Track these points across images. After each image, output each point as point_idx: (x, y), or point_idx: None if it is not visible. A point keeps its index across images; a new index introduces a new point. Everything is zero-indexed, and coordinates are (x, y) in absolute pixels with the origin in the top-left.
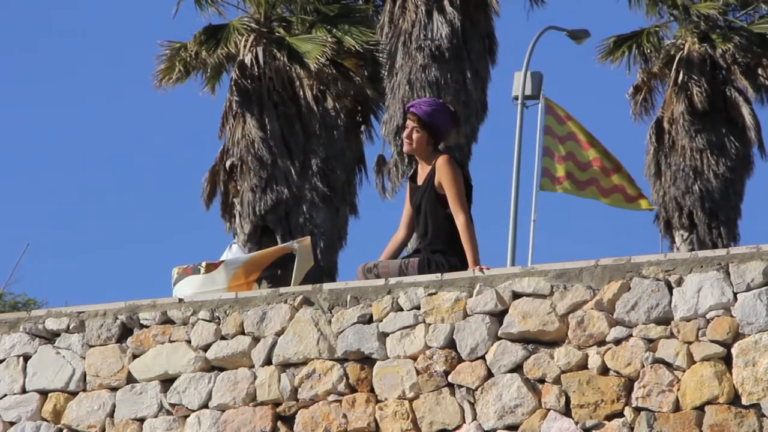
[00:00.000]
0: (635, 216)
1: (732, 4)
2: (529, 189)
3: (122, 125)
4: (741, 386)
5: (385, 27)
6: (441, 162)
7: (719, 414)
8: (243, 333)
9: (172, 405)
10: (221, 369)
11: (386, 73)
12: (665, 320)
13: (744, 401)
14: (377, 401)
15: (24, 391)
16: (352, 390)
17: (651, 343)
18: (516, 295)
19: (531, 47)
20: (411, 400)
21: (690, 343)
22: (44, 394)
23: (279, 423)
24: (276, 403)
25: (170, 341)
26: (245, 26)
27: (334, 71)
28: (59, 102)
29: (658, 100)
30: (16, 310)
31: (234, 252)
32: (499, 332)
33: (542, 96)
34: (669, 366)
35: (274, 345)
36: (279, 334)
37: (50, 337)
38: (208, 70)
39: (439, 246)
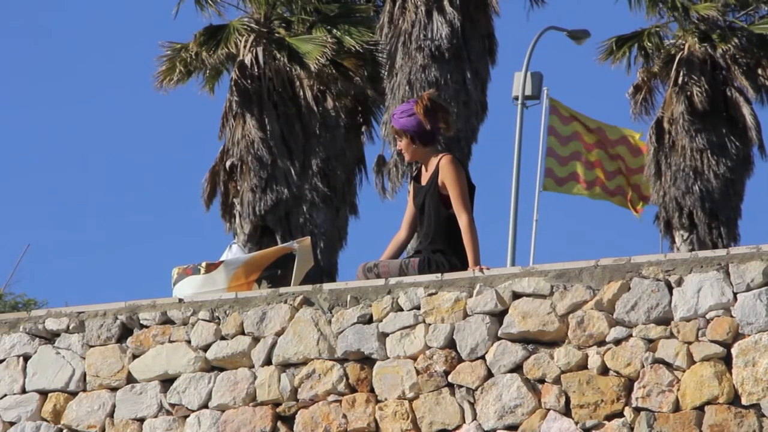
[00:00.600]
0: (635, 216)
1: (732, 4)
2: (529, 189)
3: (122, 125)
4: (741, 386)
5: (385, 27)
6: (444, 162)
7: (719, 414)
8: (243, 333)
9: (172, 405)
10: (221, 369)
11: (386, 74)
12: (665, 320)
13: (744, 401)
14: (377, 401)
15: (24, 391)
16: (352, 390)
17: (651, 343)
18: (516, 295)
19: (531, 47)
20: (411, 400)
21: (690, 343)
22: (44, 394)
23: (279, 423)
24: (276, 403)
25: (170, 341)
26: (245, 26)
27: (334, 71)
28: (59, 102)
29: (658, 100)
30: (16, 311)
31: (234, 252)
32: (499, 332)
33: (547, 96)
34: (669, 366)
35: (274, 345)
36: (279, 334)
37: (50, 337)
38: (208, 71)
39: (439, 246)
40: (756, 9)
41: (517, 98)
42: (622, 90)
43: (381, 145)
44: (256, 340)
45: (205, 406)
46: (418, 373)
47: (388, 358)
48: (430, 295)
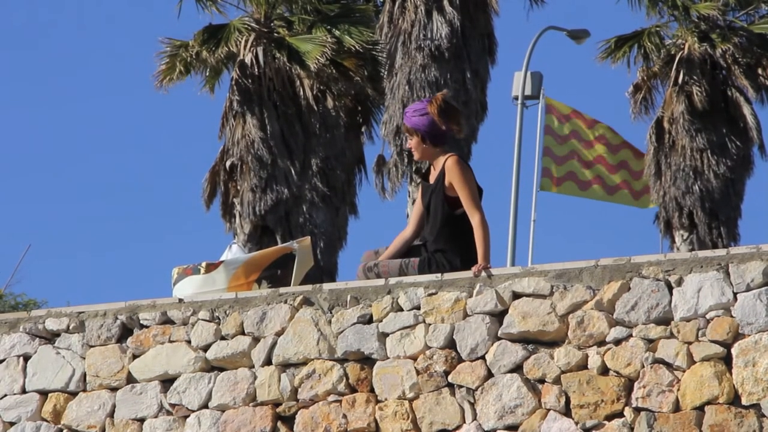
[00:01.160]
0: (635, 216)
1: (732, 4)
2: (529, 189)
3: (123, 125)
4: (741, 386)
5: (385, 27)
6: (450, 163)
7: (719, 414)
8: (243, 333)
9: (172, 405)
10: (221, 369)
11: (386, 73)
12: (665, 320)
13: (744, 401)
14: (377, 401)
15: (24, 391)
16: (352, 390)
17: (651, 343)
18: (516, 295)
19: (531, 47)
20: (411, 400)
21: (690, 343)
22: (44, 394)
23: (279, 423)
24: (276, 404)
25: (170, 341)
26: (245, 26)
27: (334, 71)
28: (59, 102)
29: (658, 100)
30: (16, 311)
31: (234, 252)
32: (499, 332)
33: (543, 95)
34: (669, 366)
35: (274, 345)
36: (279, 334)
37: (50, 338)
38: (208, 71)
39: (441, 245)
40: (756, 8)
41: (516, 98)
42: (621, 90)
43: (381, 145)
44: (256, 340)
45: (205, 406)
46: (418, 373)
47: (388, 358)
48: (430, 295)
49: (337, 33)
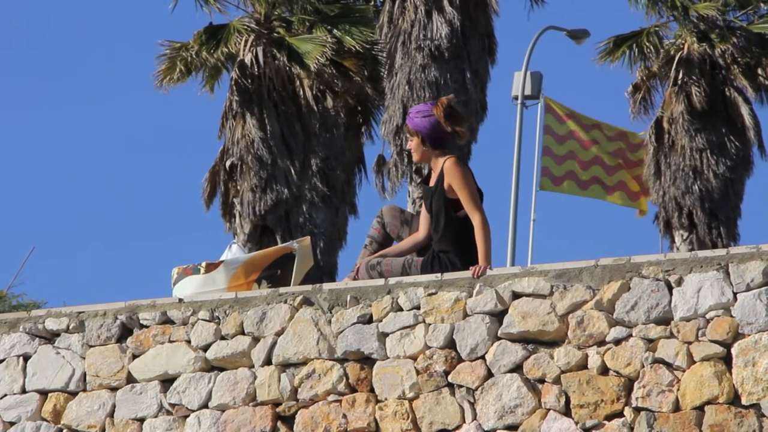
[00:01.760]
0: (636, 216)
1: (731, 4)
2: (529, 189)
3: (123, 125)
4: (741, 386)
5: (385, 27)
6: (449, 165)
7: (719, 414)
8: (243, 333)
9: (172, 405)
10: (221, 369)
11: (386, 73)
12: (665, 320)
13: (744, 401)
14: (377, 401)
15: (24, 391)
16: (352, 390)
17: (651, 343)
18: (516, 295)
19: (531, 47)
20: (411, 400)
21: (690, 343)
22: (44, 394)
23: (279, 423)
24: (276, 403)
25: (170, 341)
26: (245, 26)
27: (334, 71)
28: (59, 102)
29: (657, 100)
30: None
31: (234, 252)
32: (499, 332)
33: (542, 95)
34: (669, 366)
35: (273, 345)
36: (279, 334)
37: (50, 337)
38: (208, 70)
39: (444, 247)
40: (755, 8)
41: (516, 98)
42: (621, 90)
43: (381, 145)
44: (256, 340)
45: (205, 406)
46: (418, 373)
47: (388, 358)
48: (430, 295)
49: (337, 33)
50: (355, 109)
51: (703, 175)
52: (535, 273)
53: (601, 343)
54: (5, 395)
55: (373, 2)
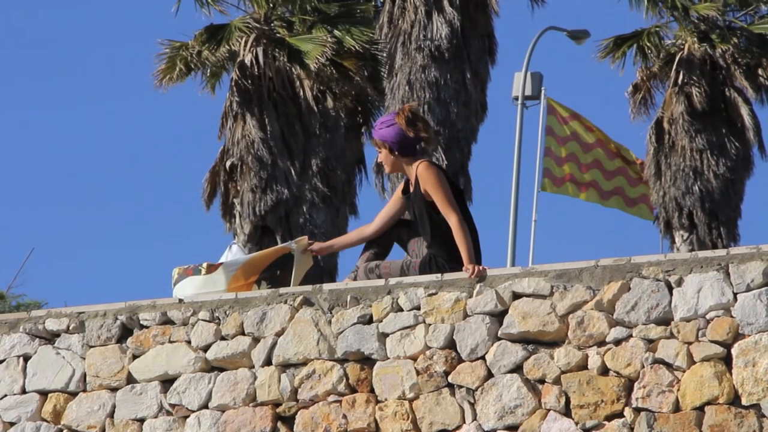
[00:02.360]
0: (635, 217)
1: (732, 4)
2: (529, 189)
3: (122, 125)
4: (741, 386)
5: (385, 27)
6: (421, 169)
7: (719, 414)
8: (243, 333)
9: (172, 405)
10: (221, 369)
11: (386, 74)
12: (665, 320)
13: (744, 401)
14: (377, 402)
15: (24, 391)
16: (352, 390)
17: (651, 343)
18: (516, 296)
19: (531, 47)
20: (411, 401)
21: (690, 343)
22: (44, 394)
23: (279, 423)
24: (276, 404)
25: (170, 342)
26: (246, 26)
27: (334, 71)
28: (59, 102)
29: (657, 100)
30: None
31: (234, 252)
32: (499, 332)
33: (544, 96)
34: (669, 366)
35: (274, 345)
36: (279, 334)
37: (50, 338)
38: (208, 71)
39: (436, 250)
40: (756, 9)
41: (517, 98)
42: (621, 90)
43: None
44: (256, 340)
45: (205, 406)
46: (418, 373)
47: (388, 358)
48: (430, 295)
49: (337, 33)
50: (356, 110)
51: (703, 176)
52: (535, 273)
53: (602, 343)
54: (5, 395)
55: (373, 2)
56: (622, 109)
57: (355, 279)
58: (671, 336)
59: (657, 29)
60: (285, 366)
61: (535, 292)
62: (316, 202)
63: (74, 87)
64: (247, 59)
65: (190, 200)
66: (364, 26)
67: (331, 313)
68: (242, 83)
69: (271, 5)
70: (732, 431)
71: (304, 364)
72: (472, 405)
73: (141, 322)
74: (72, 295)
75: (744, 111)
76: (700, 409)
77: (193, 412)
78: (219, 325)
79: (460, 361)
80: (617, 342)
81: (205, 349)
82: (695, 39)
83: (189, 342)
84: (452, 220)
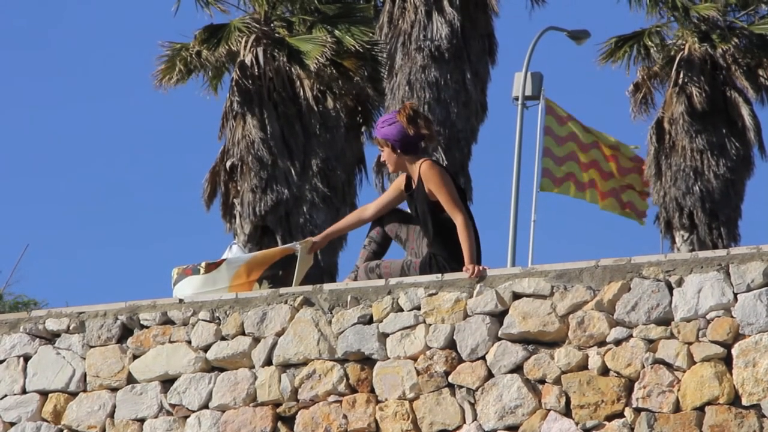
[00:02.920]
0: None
1: (732, 4)
2: (529, 189)
3: (122, 125)
4: (741, 387)
5: (385, 27)
6: (425, 169)
7: (719, 414)
8: (243, 333)
9: (173, 405)
10: (221, 369)
11: (386, 74)
12: (665, 321)
13: (744, 402)
14: (377, 402)
15: (24, 391)
16: (353, 390)
17: (651, 343)
18: (516, 296)
19: (531, 47)
20: (411, 401)
21: (690, 343)
22: (44, 394)
23: (279, 423)
24: (276, 404)
25: (170, 342)
26: (246, 26)
27: (334, 71)
28: (59, 102)
29: (658, 100)
30: (16, 311)
31: (234, 252)
32: (500, 333)
33: (543, 96)
34: (669, 366)
35: (274, 345)
36: (279, 334)
37: (50, 338)
38: (210, 71)
39: (437, 249)
40: (756, 9)
41: (517, 98)
42: (622, 90)
43: None
44: (256, 340)
45: (205, 406)
46: (418, 373)
47: (389, 358)
48: (431, 295)
49: (337, 33)
50: (356, 110)
51: (703, 176)
52: (535, 273)
53: (602, 343)
54: (5, 396)
55: (373, 2)
56: (623, 109)
57: (355, 279)
58: (671, 336)
59: (657, 29)
60: (285, 366)
61: (536, 293)
62: (316, 202)
63: (74, 87)
64: (247, 59)
65: (190, 200)
66: (364, 26)
67: (331, 313)
68: (242, 83)
69: (271, 5)
70: (732, 431)
71: (305, 364)
72: (473, 405)
73: (141, 322)
74: (72, 295)
75: (744, 111)
76: (701, 409)
77: (194, 412)
78: (219, 325)
79: (461, 361)
80: (617, 342)
81: (206, 349)
82: (696, 39)
83: (189, 342)
84: (458, 219)
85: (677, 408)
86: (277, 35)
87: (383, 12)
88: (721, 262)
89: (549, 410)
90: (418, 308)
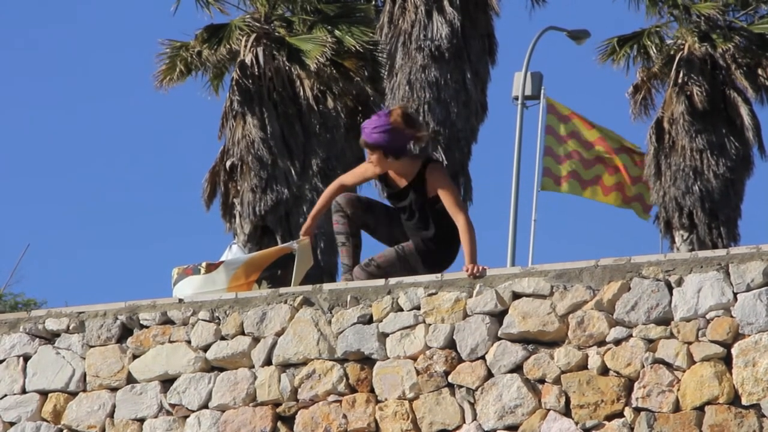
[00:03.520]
0: (635, 216)
1: (732, 4)
2: (529, 189)
3: (122, 125)
4: (741, 386)
5: (385, 27)
6: (435, 171)
7: (719, 414)
8: (243, 333)
9: (172, 405)
10: (221, 369)
11: (386, 74)
12: (665, 320)
13: (744, 401)
14: (377, 401)
15: (24, 391)
16: (352, 390)
17: (651, 343)
18: (516, 296)
19: (531, 47)
20: (411, 401)
21: (690, 343)
22: (44, 394)
23: (279, 423)
24: (276, 404)
25: (170, 341)
26: (246, 26)
27: (334, 71)
28: (59, 102)
29: (658, 100)
30: (16, 311)
31: (234, 252)
32: (499, 332)
33: (543, 95)
34: (669, 366)
35: (274, 345)
36: (279, 334)
37: (50, 338)
38: (211, 71)
39: (431, 235)
40: (756, 9)
41: (517, 98)
42: (622, 90)
43: None
44: (256, 340)
45: (205, 406)
46: (418, 373)
47: (388, 358)
48: (430, 295)
49: (337, 33)
50: (356, 110)
51: (703, 176)
52: (535, 273)
53: (602, 343)
54: (5, 395)
55: (374, 2)
56: (623, 109)
57: (349, 279)
58: (671, 336)
59: (657, 29)
60: (285, 366)
61: (535, 292)
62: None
63: (74, 87)
64: (248, 59)
65: (190, 200)
66: (364, 26)
67: (331, 313)
68: (242, 83)
69: (272, 5)
70: (732, 431)
71: (304, 364)
72: (472, 405)
73: (141, 322)
74: (72, 295)
75: (744, 111)
76: (700, 408)
77: (193, 411)
78: (219, 325)
79: (460, 361)
80: (617, 342)
81: (205, 349)
82: (696, 39)
83: (189, 342)
84: (461, 219)
85: (677, 408)
86: (277, 35)
87: (383, 12)
88: (720, 262)
89: (549, 410)
90: (418, 308)
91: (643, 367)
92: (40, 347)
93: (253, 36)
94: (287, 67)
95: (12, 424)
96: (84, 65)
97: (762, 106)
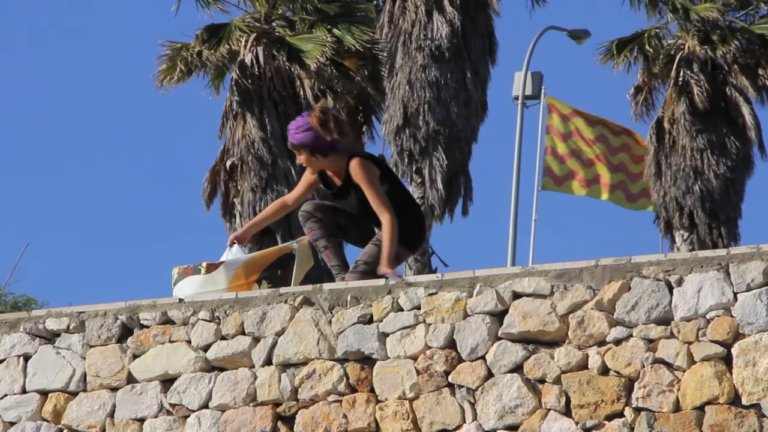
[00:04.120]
0: (635, 216)
1: (732, 4)
2: (529, 189)
3: (123, 125)
4: (741, 386)
5: (385, 27)
6: (353, 167)
7: (719, 414)
8: (243, 333)
9: (173, 405)
10: (221, 369)
11: (386, 73)
12: (665, 320)
13: (744, 401)
14: (377, 401)
15: (24, 391)
16: (353, 390)
17: (651, 343)
18: (516, 295)
19: (531, 47)
20: (411, 401)
21: (690, 343)
22: (44, 394)
23: (279, 423)
24: (276, 404)
25: (170, 341)
26: (246, 25)
27: (334, 70)
28: (60, 102)
29: (658, 101)
30: (16, 310)
31: (234, 252)
32: (500, 332)
33: (544, 95)
34: (669, 366)
35: (274, 345)
36: (279, 334)
37: (50, 337)
38: (212, 71)
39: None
40: (756, 9)
41: (517, 98)
42: (622, 90)
43: (381, 145)
44: (256, 340)
45: (205, 406)
46: (418, 373)
47: (389, 358)
48: (431, 295)
49: (337, 32)
50: (356, 109)
51: (703, 175)
52: (535, 273)
53: (602, 343)
54: (5, 395)
55: (374, 2)
56: (623, 108)
57: (343, 279)
58: (671, 336)
59: (657, 30)
60: (285, 366)
61: (536, 292)
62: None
63: (74, 87)
64: (248, 59)
65: (190, 200)
66: (364, 26)
67: (331, 312)
68: (242, 83)
69: (272, 5)
70: (732, 431)
71: (305, 363)
72: (473, 405)
73: (141, 322)
74: (72, 295)
75: (744, 111)
76: (701, 408)
77: (194, 411)
78: (219, 324)
79: (461, 360)
80: (617, 342)
81: (206, 348)
82: (696, 39)
83: (189, 342)
84: (385, 218)
85: (677, 407)
86: (277, 35)
87: (384, 11)
88: (721, 262)
89: (549, 410)
90: (418, 308)
91: (644, 367)
92: (41, 347)
93: (253, 36)
94: (287, 67)
95: (12, 424)
96: (84, 65)
97: (762, 106)
